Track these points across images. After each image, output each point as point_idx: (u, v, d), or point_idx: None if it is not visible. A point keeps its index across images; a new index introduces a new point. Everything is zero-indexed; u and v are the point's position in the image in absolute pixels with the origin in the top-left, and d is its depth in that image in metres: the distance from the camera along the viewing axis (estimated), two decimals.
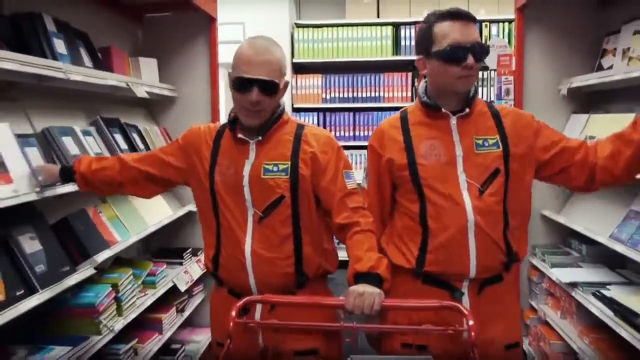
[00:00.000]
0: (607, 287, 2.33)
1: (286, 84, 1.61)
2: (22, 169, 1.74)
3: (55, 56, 1.99)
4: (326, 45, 4.88)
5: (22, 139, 1.83)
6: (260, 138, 1.61)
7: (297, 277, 1.62)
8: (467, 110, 1.58)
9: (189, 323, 3.05)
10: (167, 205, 2.94)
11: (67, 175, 1.83)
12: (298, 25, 4.93)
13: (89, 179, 1.82)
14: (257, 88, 1.52)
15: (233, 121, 1.64)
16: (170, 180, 1.78)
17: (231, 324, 1.41)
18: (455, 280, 1.57)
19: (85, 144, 2.17)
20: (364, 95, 4.86)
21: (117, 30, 2.90)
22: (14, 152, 1.74)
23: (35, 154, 1.86)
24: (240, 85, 1.53)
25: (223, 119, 5.12)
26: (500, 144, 1.57)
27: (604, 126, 2.53)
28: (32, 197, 1.72)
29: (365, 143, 4.75)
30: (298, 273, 1.62)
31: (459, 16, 1.53)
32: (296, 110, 4.92)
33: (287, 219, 1.60)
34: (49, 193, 1.81)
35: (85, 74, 2.07)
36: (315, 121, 4.91)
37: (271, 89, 1.54)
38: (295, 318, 1.57)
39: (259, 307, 1.61)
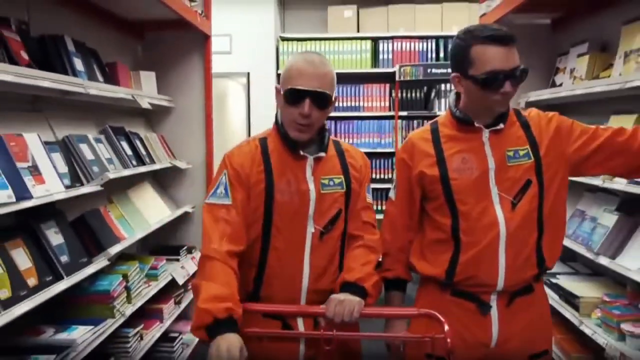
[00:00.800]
0: (557, 276, 2.67)
1: (335, 99, 1.59)
2: (50, 171, 2.00)
3: (75, 73, 2.26)
4: None
5: (48, 146, 2.09)
6: (323, 154, 1.58)
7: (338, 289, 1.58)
8: (502, 125, 1.56)
9: (183, 316, 3.31)
10: (166, 206, 3.21)
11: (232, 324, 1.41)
12: (283, 39, 5.24)
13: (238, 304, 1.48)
14: (310, 100, 1.49)
15: (286, 136, 1.57)
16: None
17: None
18: (483, 293, 1.55)
19: (97, 150, 2.44)
20: (345, 104, 5.18)
21: (121, 47, 3.17)
22: (43, 157, 2.00)
23: (58, 159, 2.13)
24: (292, 96, 1.50)
25: (231, 131, 5.40)
26: (531, 154, 1.55)
27: None
28: (62, 195, 1.99)
29: None
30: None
31: (501, 41, 1.47)
32: None
33: (341, 234, 1.60)
34: (73, 192, 2.08)
35: (100, 88, 2.35)
36: None
37: (323, 101, 1.52)
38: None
39: (300, 322, 1.57)
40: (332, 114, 5.12)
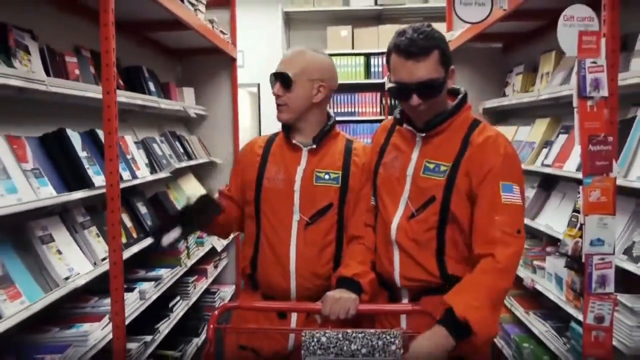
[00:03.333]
0: None
1: (321, 84, 1.63)
2: (141, 162, 2.90)
3: (150, 92, 3.16)
4: None
5: (135, 145, 2.99)
6: (314, 146, 1.64)
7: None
8: (423, 134, 1.52)
9: (220, 277, 4.18)
10: (204, 192, 4.11)
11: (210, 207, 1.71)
12: None
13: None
14: (277, 81, 1.64)
15: (288, 127, 1.68)
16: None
17: (210, 327, 1.45)
18: (393, 285, 1.59)
19: (162, 148, 3.33)
20: (342, 110, 6.09)
21: (167, 68, 4.08)
22: (136, 152, 2.90)
23: (141, 154, 3.03)
24: (270, 81, 1.68)
25: (242, 133, 6.27)
26: (447, 172, 1.48)
27: (505, 133, 3.78)
28: (149, 178, 2.88)
29: None
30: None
31: (405, 53, 1.42)
32: None
33: (332, 226, 1.63)
34: (154, 177, 2.98)
35: (166, 103, 3.25)
36: None
37: (284, 81, 1.60)
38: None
39: (294, 316, 1.64)
40: None
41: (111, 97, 1.96)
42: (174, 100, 3.75)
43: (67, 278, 1.98)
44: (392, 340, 1.37)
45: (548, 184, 3.11)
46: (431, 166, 1.51)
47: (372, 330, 1.37)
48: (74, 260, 2.11)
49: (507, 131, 3.74)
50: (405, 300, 1.58)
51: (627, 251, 2.11)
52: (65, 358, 1.91)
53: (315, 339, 1.36)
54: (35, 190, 1.85)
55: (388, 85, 1.58)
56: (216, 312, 1.46)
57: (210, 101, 4.31)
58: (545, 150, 2.98)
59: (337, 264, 1.64)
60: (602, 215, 1.79)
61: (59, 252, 2.05)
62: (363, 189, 1.67)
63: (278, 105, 1.65)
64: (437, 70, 1.45)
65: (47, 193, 1.91)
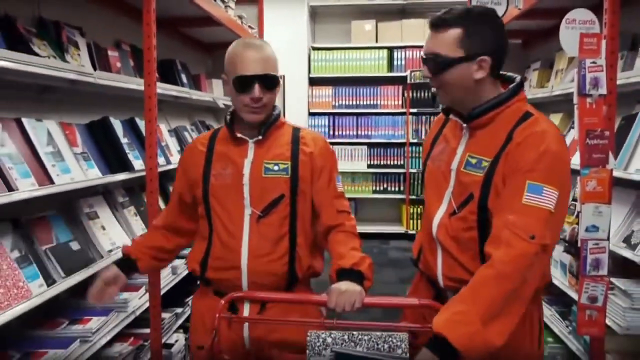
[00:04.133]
0: None
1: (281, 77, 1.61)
2: (174, 149, 3.13)
3: (183, 84, 3.39)
4: (336, 64, 6.27)
5: (168, 133, 3.22)
6: (260, 137, 1.60)
7: (288, 277, 1.60)
8: (468, 125, 1.45)
9: None
10: None
11: (127, 265, 1.69)
12: (314, 48, 6.31)
13: (145, 252, 1.72)
14: (258, 84, 1.51)
15: (231, 122, 1.63)
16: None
17: (217, 316, 1.42)
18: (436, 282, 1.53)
19: (192, 137, 3.56)
20: (365, 103, 6.24)
21: (198, 61, 4.30)
22: (169, 140, 3.13)
23: (174, 141, 3.25)
24: (241, 84, 1.52)
25: None
26: (487, 169, 1.39)
27: None
28: None
29: (366, 141, 6.45)
30: (290, 273, 1.60)
31: (430, 25, 1.42)
32: (312, 114, 6.30)
33: (285, 219, 1.59)
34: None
35: (198, 95, 3.47)
36: (326, 123, 6.29)
37: (271, 82, 1.54)
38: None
39: (246, 308, 1.59)
40: (354, 110, 6.22)
41: (152, 89, 2.18)
42: (204, 91, 3.97)
43: (110, 250, 2.22)
44: (399, 344, 1.31)
45: None
46: (473, 161, 1.42)
47: (379, 333, 1.33)
48: (116, 235, 2.35)
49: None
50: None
51: (627, 239, 2.25)
52: (108, 321, 2.15)
53: (321, 340, 1.32)
54: (85, 172, 2.09)
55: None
56: (222, 301, 1.44)
57: None
58: None
59: (291, 258, 1.59)
60: (597, 204, 1.93)
61: (103, 227, 2.29)
62: (331, 178, 1.64)
63: (257, 108, 1.54)
64: (449, 47, 1.37)
65: (94, 174, 2.15)
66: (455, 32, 1.37)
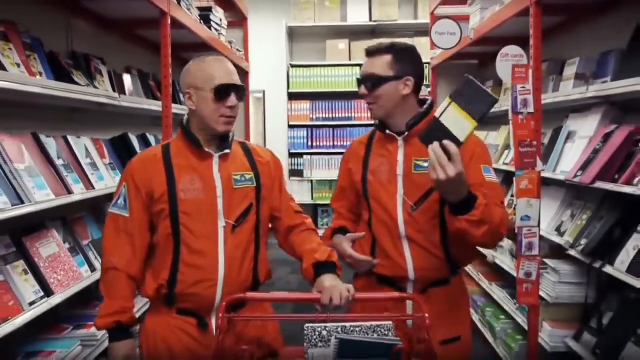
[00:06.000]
0: None
1: None
2: None
3: (181, 102, 3.82)
4: (313, 80, 6.76)
5: None
6: (228, 151, 1.63)
7: (252, 284, 1.65)
8: (405, 135, 1.69)
9: None
10: None
11: (121, 333, 1.60)
12: (292, 65, 6.79)
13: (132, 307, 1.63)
14: (234, 93, 1.58)
15: (194, 137, 1.61)
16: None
17: (220, 316, 1.44)
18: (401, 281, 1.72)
19: None
20: (340, 115, 6.75)
21: None
22: None
23: None
24: (221, 92, 1.56)
25: (254, 132, 6.86)
26: None
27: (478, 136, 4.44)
28: None
29: (341, 151, 6.97)
30: (254, 279, 1.65)
31: (366, 53, 1.74)
32: (291, 127, 6.77)
33: (253, 227, 1.65)
34: None
35: None
36: (305, 135, 6.77)
37: (242, 92, 1.62)
38: (254, 325, 1.63)
39: (214, 318, 1.59)
40: (331, 122, 6.71)
41: (168, 110, 2.63)
42: None
43: None
44: (387, 333, 1.43)
45: (509, 179, 3.78)
46: (421, 163, 1.66)
47: (368, 324, 1.43)
48: None
49: (479, 135, 4.41)
50: (410, 292, 1.72)
51: (558, 229, 2.78)
52: None
53: (317, 333, 1.41)
54: (113, 179, 2.51)
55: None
56: (224, 303, 1.46)
57: None
58: (506, 152, 3.65)
59: (255, 264, 1.65)
60: (529, 198, 2.44)
61: None
62: (282, 184, 1.76)
63: (230, 117, 1.60)
64: (383, 69, 1.68)
65: None
66: (387, 57, 1.69)
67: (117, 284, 1.59)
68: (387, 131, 1.73)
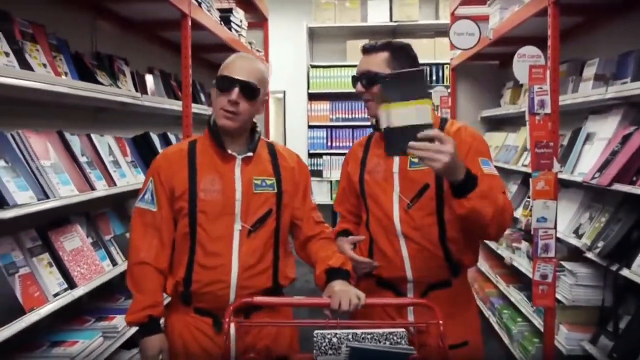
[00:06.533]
0: None
1: (266, 98, 1.65)
2: None
3: (201, 101, 3.89)
4: (332, 80, 6.78)
5: None
6: (250, 154, 1.62)
7: (273, 289, 1.64)
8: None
9: None
10: None
11: (154, 326, 1.62)
12: (312, 66, 6.83)
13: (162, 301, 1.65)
14: (238, 88, 1.54)
15: (218, 137, 1.61)
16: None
17: (226, 320, 1.42)
18: (400, 283, 1.69)
19: None
20: (360, 116, 6.76)
21: (210, 80, 4.80)
22: None
23: None
24: (222, 84, 1.55)
25: (274, 132, 6.92)
26: None
27: (497, 138, 4.42)
28: None
29: None
30: (274, 285, 1.65)
31: (362, 50, 1.72)
32: (311, 127, 6.81)
33: (272, 233, 1.63)
34: None
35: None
36: (324, 135, 6.80)
37: (251, 91, 1.56)
38: (268, 329, 1.62)
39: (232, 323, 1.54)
40: (350, 123, 6.72)
41: (188, 109, 2.69)
42: None
43: None
44: (399, 340, 1.37)
45: (527, 181, 3.75)
46: (416, 160, 1.59)
47: (380, 331, 1.38)
48: None
49: (498, 137, 4.39)
50: (411, 296, 1.68)
51: (576, 231, 2.75)
52: None
53: (327, 340, 1.36)
54: (135, 176, 2.58)
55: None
56: (231, 307, 1.45)
57: None
58: (525, 153, 3.62)
59: (275, 270, 1.65)
60: (545, 200, 2.43)
61: None
62: (306, 191, 1.74)
63: (230, 112, 1.56)
64: (379, 66, 1.66)
65: (141, 179, 2.64)
66: (383, 55, 1.67)
67: (146, 278, 1.60)
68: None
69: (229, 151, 1.60)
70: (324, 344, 1.37)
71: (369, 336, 1.37)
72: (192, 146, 1.66)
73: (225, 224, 1.58)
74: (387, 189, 1.70)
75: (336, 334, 1.37)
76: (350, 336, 1.36)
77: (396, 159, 1.69)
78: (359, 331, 1.38)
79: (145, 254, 1.60)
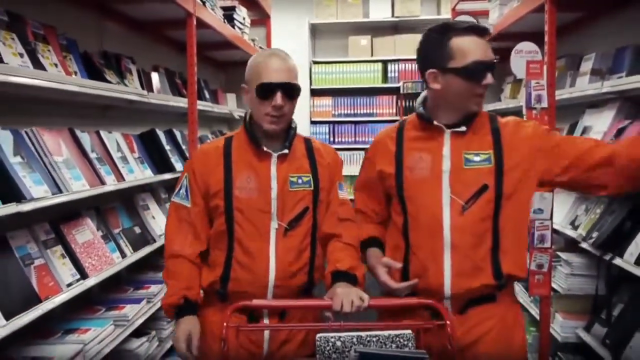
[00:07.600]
0: None
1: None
2: None
3: (205, 99, 3.96)
4: (335, 76, 6.84)
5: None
6: (286, 151, 1.58)
7: (306, 287, 1.61)
8: (463, 128, 1.51)
9: None
10: None
11: (188, 308, 1.60)
12: (314, 62, 6.88)
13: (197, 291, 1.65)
14: (281, 92, 1.52)
15: (253, 135, 1.59)
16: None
17: (224, 325, 1.40)
18: (436, 299, 1.49)
19: None
20: (362, 112, 6.82)
21: (215, 77, 4.89)
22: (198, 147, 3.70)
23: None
24: (264, 91, 1.52)
25: None
26: (492, 159, 1.48)
27: None
28: None
29: (363, 146, 7.03)
30: (308, 282, 1.62)
31: (480, 32, 1.47)
32: (313, 122, 6.87)
33: (308, 230, 1.59)
34: None
35: (219, 108, 4.04)
36: (327, 131, 6.87)
37: (293, 92, 1.54)
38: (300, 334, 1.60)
39: (266, 320, 1.58)
40: (352, 118, 6.79)
41: (194, 106, 2.76)
42: (222, 104, 4.55)
43: (160, 235, 2.78)
44: (405, 342, 1.32)
45: None
46: (474, 157, 1.49)
47: (386, 333, 1.33)
48: (163, 224, 2.90)
49: None
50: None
51: (572, 223, 2.82)
52: (159, 292, 2.71)
53: (330, 344, 1.31)
54: (142, 172, 2.66)
55: (453, 65, 1.48)
56: (229, 312, 1.44)
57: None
58: None
59: (311, 268, 1.62)
60: (542, 192, 2.50)
61: (153, 217, 2.86)
62: (332, 187, 1.67)
63: (275, 117, 1.55)
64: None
65: (148, 174, 2.72)
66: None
67: (180, 269, 1.60)
68: (435, 122, 1.55)
69: (265, 148, 1.58)
70: (328, 348, 1.31)
71: (374, 339, 1.32)
72: (228, 143, 1.64)
73: (261, 222, 1.57)
74: (435, 190, 1.52)
75: (340, 337, 1.32)
76: (354, 339, 1.31)
77: (446, 155, 1.52)
78: (363, 334, 1.32)
79: (179, 247, 1.61)
